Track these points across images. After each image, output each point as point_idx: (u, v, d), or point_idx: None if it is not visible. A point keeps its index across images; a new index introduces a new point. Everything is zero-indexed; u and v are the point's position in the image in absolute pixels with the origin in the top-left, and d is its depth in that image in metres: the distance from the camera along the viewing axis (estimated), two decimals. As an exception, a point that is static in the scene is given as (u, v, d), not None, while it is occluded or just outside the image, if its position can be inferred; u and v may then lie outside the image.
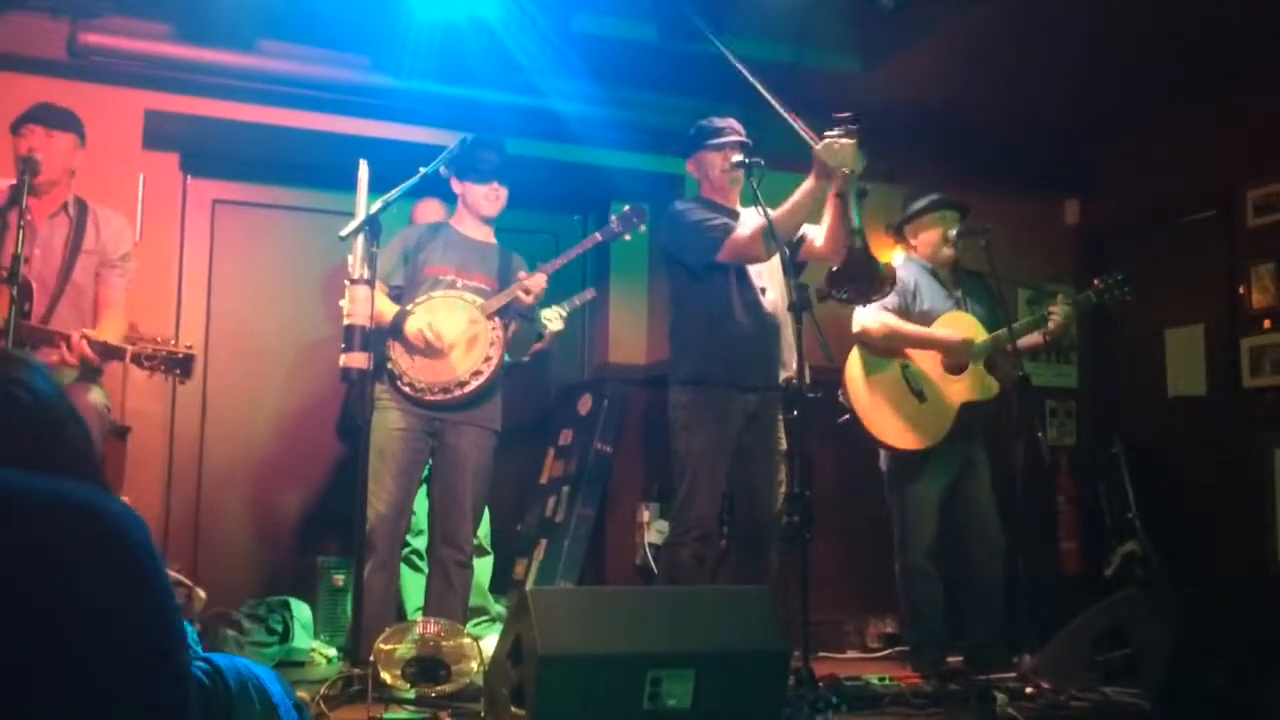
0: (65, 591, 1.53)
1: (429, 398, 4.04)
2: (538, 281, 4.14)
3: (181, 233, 5.36)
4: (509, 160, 4.34)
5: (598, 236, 4.37)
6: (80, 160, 4.13)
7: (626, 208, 4.38)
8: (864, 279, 3.75)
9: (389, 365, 4.06)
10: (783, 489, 4.05)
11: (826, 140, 3.67)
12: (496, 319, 4.13)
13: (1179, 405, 5.94)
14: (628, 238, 4.40)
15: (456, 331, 4.09)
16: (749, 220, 4.10)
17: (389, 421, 4.04)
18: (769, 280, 4.15)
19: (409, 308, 4.09)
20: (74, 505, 1.61)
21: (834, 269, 3.80)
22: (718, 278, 4.09)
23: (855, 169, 3.67)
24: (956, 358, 4.48)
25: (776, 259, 4.11)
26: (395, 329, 4.05)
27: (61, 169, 4.04)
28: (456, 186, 4.30)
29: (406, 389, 4.05)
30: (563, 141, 5.43)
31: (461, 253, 4.24)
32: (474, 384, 4.06)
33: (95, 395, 3.89)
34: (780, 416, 4.08)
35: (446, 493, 4.14)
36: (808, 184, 3.81)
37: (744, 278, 4.11)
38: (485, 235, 4.33)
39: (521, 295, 4.13)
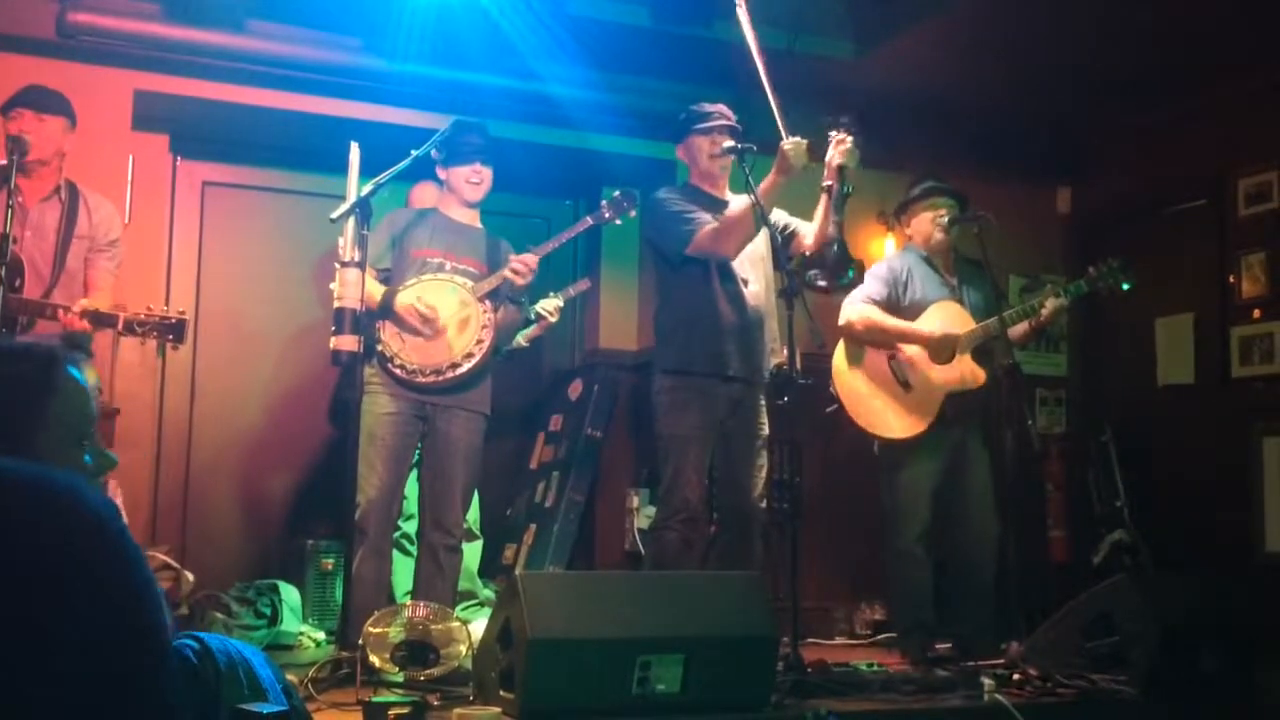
0: (43, 577, 1.53)
1: (421, 379, 4.02)
2: (529, 262, 4.11)
3: (171, 215, 5.32)
4: (492, 142, 4.32)
5: (588, 221, 4.32)
6: (71, 143, 4.12)
7: (617, 193, 4.34)
8: (833, 264, 3.84)
9: (379, 348, 4.03)
10: (763, 474, 4.08)
11: (790, 141, 3.79)
12: (487, 302, 4.11)
13: (1168, 394, 5.96)
14: (618, 222, 4.36)
15: (448, 312, 4.07)
16: (732, 209, 4.11)
17: (379, 406, 4.02)
18: (751, 272, 4.15)
19: (398, 288, 4.07)
20: (53, 491, 1.61)
21: (808, 255, 3.96)
22: (698, 269, 4.08)
23: (850, 165, 3.82)
24: (939, 352, 4.47)
25: (762, 250, 4.12)
26: (385, 308, 4.03)
27: (52, 151, 4.04)
28: (441, 173, 4.27)
29: (398, 371, 4.02)
30: (556, 125, 5.41)
31: (449, 236, 4.22)
32: (466, 366, 4.05)
33: (87, 375, 3.87)
34: (763, 403, 4.11)
35: (436, 477, 4.13)
36: (769, 177, 3.88)
37: (726, 270, 4.10)
38: (471, 219, 4.31)
39: (512, 276, 4.10)
